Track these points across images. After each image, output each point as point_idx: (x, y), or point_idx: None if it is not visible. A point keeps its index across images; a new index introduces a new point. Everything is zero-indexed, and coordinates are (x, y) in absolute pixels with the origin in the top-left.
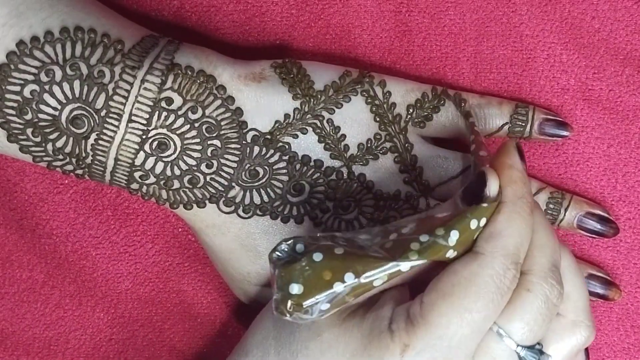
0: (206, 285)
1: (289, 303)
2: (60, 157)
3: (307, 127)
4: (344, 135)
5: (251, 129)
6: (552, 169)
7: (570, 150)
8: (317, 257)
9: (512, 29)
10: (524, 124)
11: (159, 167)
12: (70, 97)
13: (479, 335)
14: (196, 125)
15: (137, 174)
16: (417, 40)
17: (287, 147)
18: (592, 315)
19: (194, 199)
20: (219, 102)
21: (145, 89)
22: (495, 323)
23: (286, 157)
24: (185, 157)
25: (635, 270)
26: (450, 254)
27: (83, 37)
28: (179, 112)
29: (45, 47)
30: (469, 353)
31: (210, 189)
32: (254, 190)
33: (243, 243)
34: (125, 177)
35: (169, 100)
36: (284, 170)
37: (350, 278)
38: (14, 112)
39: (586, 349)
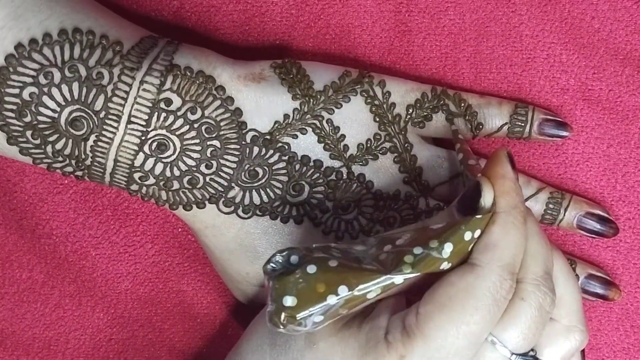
0: (206, 285)
1: (283, 315)
2: (60, 159)
3: (306, 128)
4: (343, 136)
5: (251, 130)
6: (552, 169)
7: (570, 150)
8: (311, 269)
9: (512, 29)
10: (523, 124)
11: (159, 168)
12: (69, 99)
13: (476, 346)
14: (195, 125)
15: (136, 175)
16: (416, 40)
17: (286, 147)
18: (585, 319)
19: (193, 199)
20: (218, 102)
21: (144, 90)
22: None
23: (286, 158)
24: (184, 158)
25: (635, 270)
26: (445, 265)
27: (81, 38)
28: (178, 113)
29: (44, 50)
30: None
31: (209, 189)
32: (254, 190)
33: (242, 243)
34: (125, 179)
35: (168, 101)
36: (284, 171)
37: (343, 291)
38: (13, 115)
39: (582, 351)
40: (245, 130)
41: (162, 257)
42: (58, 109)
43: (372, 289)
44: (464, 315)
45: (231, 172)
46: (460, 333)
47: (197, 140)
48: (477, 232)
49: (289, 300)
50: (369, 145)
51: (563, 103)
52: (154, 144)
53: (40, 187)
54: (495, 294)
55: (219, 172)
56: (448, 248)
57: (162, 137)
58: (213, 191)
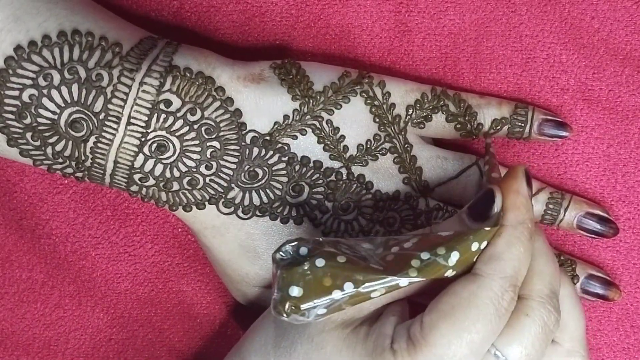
0: (206, 285)
1: (287, 304)
2: (60, 160)
3: (306, 128)
4: (343, 136)
5: (250, 130)
6: (552, 169)
7: (570, 150)
8: (320, 262)
9: (512, 29)
10: (523, 125)
11: (158, 169)
12: (69, 101)
13: (478, 356)
14: (195, 127)
15: (136, 176)
16: (416, 41)
17: (286, 148)
18: (587, 346)
19: (193, 200)
20: (217, 103)
21: (143, 91)
22: (493, 345)
23: (285, 158)
24: (184, 159)
25: (635, 271)
26: (449, 273)
27: (81, 40)
28: (178, 114)
29: (43, 52)
30: None
31: (209, 190)
32: (254, 191)
33: (242, 244)
34: (125, 180)
35: (168, 103)
36: (284, 172)
37: (349, 287)
38: (13, 117)
39: None
40: (245, 131)
41: (162, 257)
42: (58, 111)
43: (376, 288)
44: (467, 324)
45: (231, 173)
46: (463, 341)
47: (197, 141)
48: (484, 244)
49: (295, 291)
50: (368, 146)
51: (563, 103)
52: (154, 145)
53: (40, 187)
54: (497, 305)
55: (219, 173)
56: (454, 257)
57: (161, 138)
58: (213, 192)
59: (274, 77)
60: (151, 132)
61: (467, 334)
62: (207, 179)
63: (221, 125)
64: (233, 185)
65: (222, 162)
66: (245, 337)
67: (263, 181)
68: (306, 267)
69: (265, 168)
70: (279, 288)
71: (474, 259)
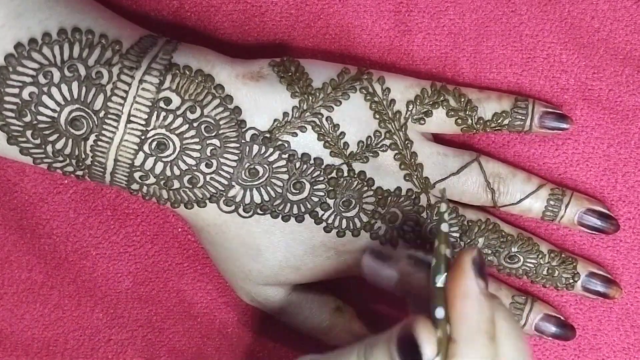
0: (206, 285)
1: None
2: (60, 158)
3: (306, 125)
4: (343, 133)
5: (250, 128)
6: (552, 169)
7: (570, 150)
8: None
9: (512, 29)
10: (524, 118)
11: (159, 167)
12: (69, 99)
13: None
14: (195, 124)
15: (136, 175)
16: (416, 40)
17: (286, 145)
18: None
19: (194, 198)
20: (217, 101)
21: (143, 89)
22: None
23: (286, 156)
24: (184, 157)
25: (635, 270)
26: None
27: (81, 38)
28: (178, 112)
29: (43, 49)
30: None
31: (210, 188)
32: (254, 189)
33: (244, 242)
34: (125, 178)
35: (168, 101)
36: (284, 169)
37: None
38: (13, 115)
39: None
40: (244, 129)
41: (162, 257)
42: (58, 109)
43: None
44: None
45: (231, 170)
46: None
47: (197, 139)
48: None
49: None
50: (369, 143)
51: (563, 103)
52: (154, 143)
53: (40, 187)
54: None
55: (219, 171)
56: None
57: (161, 136)
58: (213, 190)
59: (273, 75)
60: (151, 130)
61: None
62: (208, 177)
63: (221, 123)
64: (234, 183)
65: (222, 160)
66: None
67: (264, 179)
68: None
69: (265, 165)
70: None
71: None
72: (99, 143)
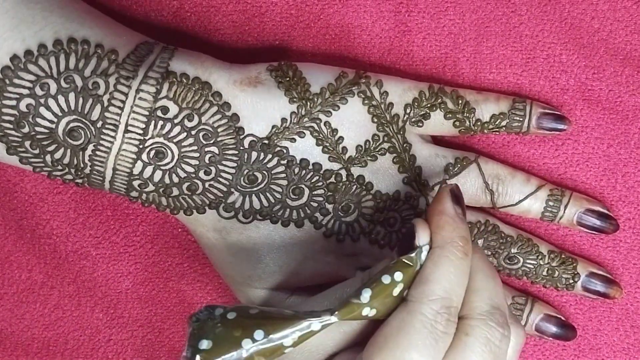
0: (206, 285)
1: (197, 358)
2: (59, 167)
3: (304, 131)
4: (341, 138)
5: (248, 135)
6: (552, 169)
7: (570, 150)
8: (231, 315)
9: (512, 29)
10: (522, 119)
11: (157, 175)
12: (66, 110)
13: None
14: (193, 132)
15: (135, 183)
16: (416, 41)
17: (285, 151)
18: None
19: (193, 205)
20: (215, 108)
21: (140, 98)
22: None
23: (284, 162)
24: (183, 165)
25: (635, 271)
26: (368, 311)
27: (76, 48)
28: (175, 121)
29: (39, 61)
30: None
31: (209, 195)
32: (253, 195)
33: (244, 247)
34: (124, 186)
35: (165, 109)
36: (283, 175)
37: (259, 335)
38: (11, 126)
39: None
40: (242, 136)
41: (162, 257)
42: (55, 120)
43: (288, 334)
44: (400, 352)
45: (230, 177)
46: None
47: (195, 147)
48: (398, 275)
49: (205, 344)
50: (367, 147)
51: (563, 103)
52: (152, 152)
53: (40, 187)
54: (430, 328)
55: (218, 178)
56: (366, 293)
57: (159, 145)
58: (213, 197)
59: (271, 80)
60: (149, 139)
61: None
62: (207, 184)
63: (219, 130)
64: (233, 189)
65: (220, 167)
66: None
67: (263, 185)
68: (217, 321)
69: (264, 172)
70: (190, 344)
71: (397, 293)
72: (97, 153)
